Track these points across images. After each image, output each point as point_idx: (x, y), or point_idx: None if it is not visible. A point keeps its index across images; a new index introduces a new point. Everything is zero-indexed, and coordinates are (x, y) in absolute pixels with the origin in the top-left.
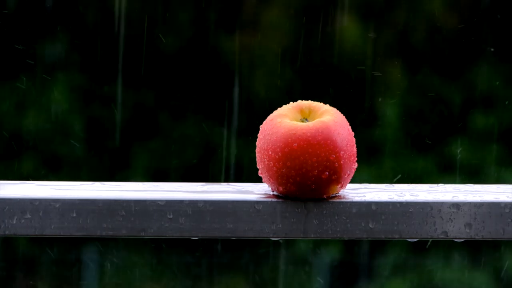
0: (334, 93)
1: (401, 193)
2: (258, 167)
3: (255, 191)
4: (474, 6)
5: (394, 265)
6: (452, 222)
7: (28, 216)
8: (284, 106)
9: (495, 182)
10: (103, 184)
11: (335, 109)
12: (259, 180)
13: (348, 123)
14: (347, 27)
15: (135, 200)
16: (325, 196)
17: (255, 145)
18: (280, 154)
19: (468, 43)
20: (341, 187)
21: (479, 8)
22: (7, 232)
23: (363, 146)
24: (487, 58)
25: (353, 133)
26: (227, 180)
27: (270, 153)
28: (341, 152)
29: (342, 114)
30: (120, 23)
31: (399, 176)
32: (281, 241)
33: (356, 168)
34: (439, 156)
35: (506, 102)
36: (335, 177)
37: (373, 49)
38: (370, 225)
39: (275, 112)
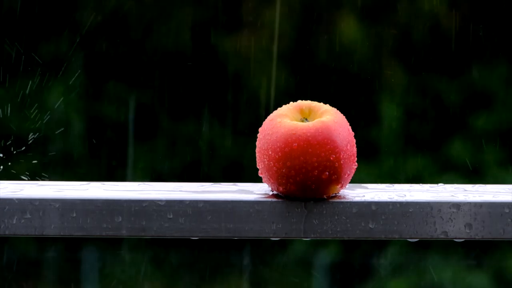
0: (334, 93)
1: (401, 193)
2: (258, 167)
3: (255, 191)
4: (474, 5)
5: (394, 265)
6: (452, 222)
7: (28, 216)
8: (284, 106)
9: (495, 182)
10: (103, 184)
11: (335, 109)
12: (259, 180)
13: (348, 123)
14: (347, 27)
15: (135, 200)
16: (325, 196)
17: (255, 145)
18: (280, 154)
19: (468, 43)
20: (341, 187)
21: (479, 7)
22: (7, 232)
23: (363, 146)
24: (487, 58)
25: (353, 133)
26: (226, 180)
27: (270, 153)
28: (341, 152)
29: (342, 114)
30: (121, 23)
31: (399, 176)
32: (281, 241)
33: (356, 168)
34: (439, 156)
35: (506, 102)
36: (335, 177)
37: (373, 49)
38: (370, 225)
39: (275, 112)
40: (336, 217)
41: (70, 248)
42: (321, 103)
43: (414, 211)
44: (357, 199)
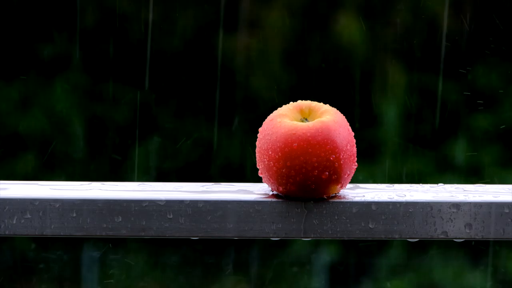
0: (334, 93)
1: (401, 193)
2: (258, 167)
3: (255, 191)
4: (474, 5)
5: (394, 265)
6: (452, 222)
7: (28, 216)
8: (284, 106)
9: (495, 182)
10: (103, 184)
11: (335, 109)
12: (259, 180)
13: (348, 123)
14: (347, 26)
15: (135, 200)
16: (325, 196)
17: (255, 145)
18: (280, 154)
19: (468, 43)
20: (341, 187)
21: (480, 7)
22: (7, 232)
23: (363, 146)
24: (487, 58)
25: (353, 133)
26: (227, 180)
27: (270, 153)
28: (341, 152)
29: (342, 114)
30: (121, 23)
31: (399, 176)
32: (281, 241)
33: (356, 168)
34: (439, 156)
35: (506, 102)
36: (335, 177)
37: (373, 49)
38: (370, 225)
39: (275, 112)
40: (336, 217)
41: (70, 248)
42: (321, 103)
43: (414, 211)
44: (357, 199)
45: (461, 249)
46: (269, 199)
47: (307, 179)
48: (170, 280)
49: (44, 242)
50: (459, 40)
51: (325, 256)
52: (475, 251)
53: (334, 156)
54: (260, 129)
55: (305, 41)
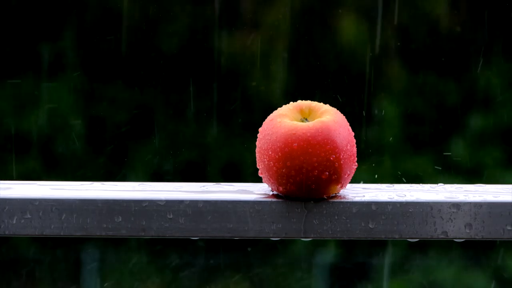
0: (334, 93)
1: (401, 193)
2: (258, 167)
3: (255, 191)
4: (474, 5)
5: (394, 265)
6: (452, 222)
7: (28, 216)
8: (284, 106)
9: (495, 182)
10: (103, 184)
11: (335, 109)
12: (259, 180)
13: (348, 123)
14: (347, 27)
15: (135, 200)
16: (325, 196)
17: (255, 145)
18: (280, 154)
19: (468, 43)
20: (341, 187)
21: (479, 7)
22: (7, 232)
23: (363, 146)
24: (487, 58)
25: (353, 133)
26: (226, 180)
27: (270, 153)
28: (341, 152)
29: (342, 114)
30: (120, 23)
31: (399, 176)
32: (281, 241)
33: (356, 168)
34: (439, 156)
35: (506, 102)
36: (335, 177)
37: (373, 49)
38: (370, 225)
39: (275, 112)
40: (336, 217)
41: (70, 248)
42: (321, 103)
43: (414, 211)
44: (357, 199)
45: (461, 249)
46: (269, 199)
47: (307, 179)
48: (170, 280)
49: (44, 242)
50: (459, 40)
51: (325, 256)
52: (475, 251)
53: (334, 156)
54: (260, 129)
55: (306, 41)
